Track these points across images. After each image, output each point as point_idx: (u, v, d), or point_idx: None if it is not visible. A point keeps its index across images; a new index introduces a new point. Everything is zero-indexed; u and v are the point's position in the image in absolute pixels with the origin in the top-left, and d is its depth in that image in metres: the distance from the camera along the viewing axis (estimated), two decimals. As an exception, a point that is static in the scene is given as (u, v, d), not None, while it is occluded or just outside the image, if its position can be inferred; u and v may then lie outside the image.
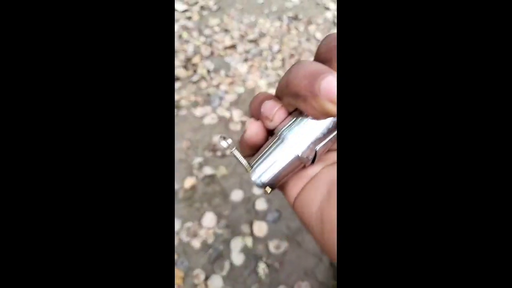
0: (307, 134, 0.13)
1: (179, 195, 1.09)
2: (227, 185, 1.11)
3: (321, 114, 0.13)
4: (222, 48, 1.57)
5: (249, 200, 1.07)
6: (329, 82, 0.12)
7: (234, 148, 0.15)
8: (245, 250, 0.98)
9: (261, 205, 1.06)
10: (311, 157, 0.14)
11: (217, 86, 1.41)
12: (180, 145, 1.22)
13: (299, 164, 0.14)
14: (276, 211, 1.04)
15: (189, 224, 1.03)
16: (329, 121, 0.14)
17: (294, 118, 0.14)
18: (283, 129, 0.14)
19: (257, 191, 1.09)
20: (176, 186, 1.11)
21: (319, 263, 0.94)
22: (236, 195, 1.09)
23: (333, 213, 0.14)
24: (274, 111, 0.14)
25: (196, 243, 0.99)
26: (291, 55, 1.51)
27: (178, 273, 0.95)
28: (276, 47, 1.55)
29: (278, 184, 0.15)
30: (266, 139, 0.15)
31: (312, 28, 1.65)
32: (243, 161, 0.15)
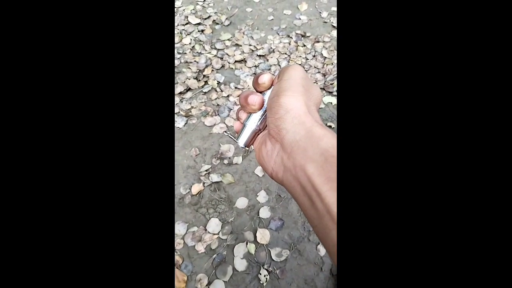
0: (255, 119, 0.31)
1: (186, 200, 1.13)
2: (232, 193, 1.15)
3: (254, 111, 0.31)
4: (232, 61, 1.64)
5: (253, 208, 1.11)
6: (251, 98, 0.30)
7: (230, 133, 0.40)
8: (247, 256, 1.01)
9: (265, 213, 1.09)
10: (259, 128, 0.32)
11: (227, 97, 1.47)
12: (189, 152, 1.26)
13: (256, 132, 0.32)
14: (279, 219, 1.08)
15: (194, 228, 1.06)
16: (261, 114, 0.31)
17: (248, 115, 0.32)
18: (245, 121, 0.32)
19: (261, 199, 1.12)
20: (184, 192, 1.15)
21: (319, 272, 0.97)
22: (241, 203, 1.12)
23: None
24: (242, 115, 0.33)
25: (201, 248, 1.03)
26: (298, 71, 1.56)
27: (182, 277, 0.98)
28: (284, 63, 1.62)
29: (250, 144, 0.32)
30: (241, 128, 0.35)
31: (318, 45, 1.71)
32: (235, 139, 0.34)
